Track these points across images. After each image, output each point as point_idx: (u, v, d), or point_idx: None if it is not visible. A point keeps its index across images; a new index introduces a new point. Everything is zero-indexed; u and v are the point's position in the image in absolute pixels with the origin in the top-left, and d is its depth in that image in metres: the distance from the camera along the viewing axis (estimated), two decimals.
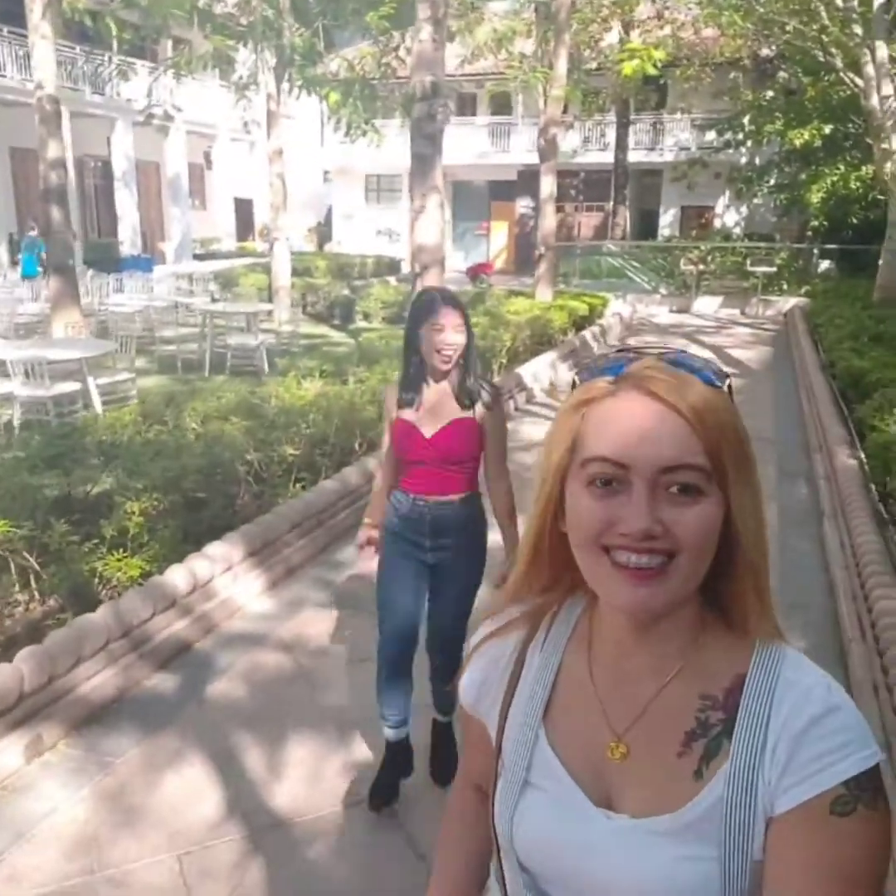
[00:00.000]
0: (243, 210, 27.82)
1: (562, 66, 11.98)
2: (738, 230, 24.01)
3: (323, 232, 30.29)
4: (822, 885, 0.70)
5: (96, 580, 3.73)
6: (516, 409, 8.34)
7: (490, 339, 8.98)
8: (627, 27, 18.59)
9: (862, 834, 0.71)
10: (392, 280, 19.27)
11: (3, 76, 17.67)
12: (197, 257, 23.91)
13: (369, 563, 2.77)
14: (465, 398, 2.48)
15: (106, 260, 20.16)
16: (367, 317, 14.92)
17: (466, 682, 0.94)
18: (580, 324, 12.82)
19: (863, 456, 5.58)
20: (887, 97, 11.30)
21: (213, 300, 14.30)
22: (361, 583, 4.32)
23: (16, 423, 7.07)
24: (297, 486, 5.07)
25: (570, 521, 0.78)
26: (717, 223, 24.75)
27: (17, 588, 3.74)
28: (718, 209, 24.85)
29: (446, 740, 2.81)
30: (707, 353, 12.56)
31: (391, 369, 6.72)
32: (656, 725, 0.80)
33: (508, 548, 2.60)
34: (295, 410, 5.56)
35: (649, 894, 0.76)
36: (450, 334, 2.39)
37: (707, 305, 18.36)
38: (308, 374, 6.71)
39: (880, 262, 11.86)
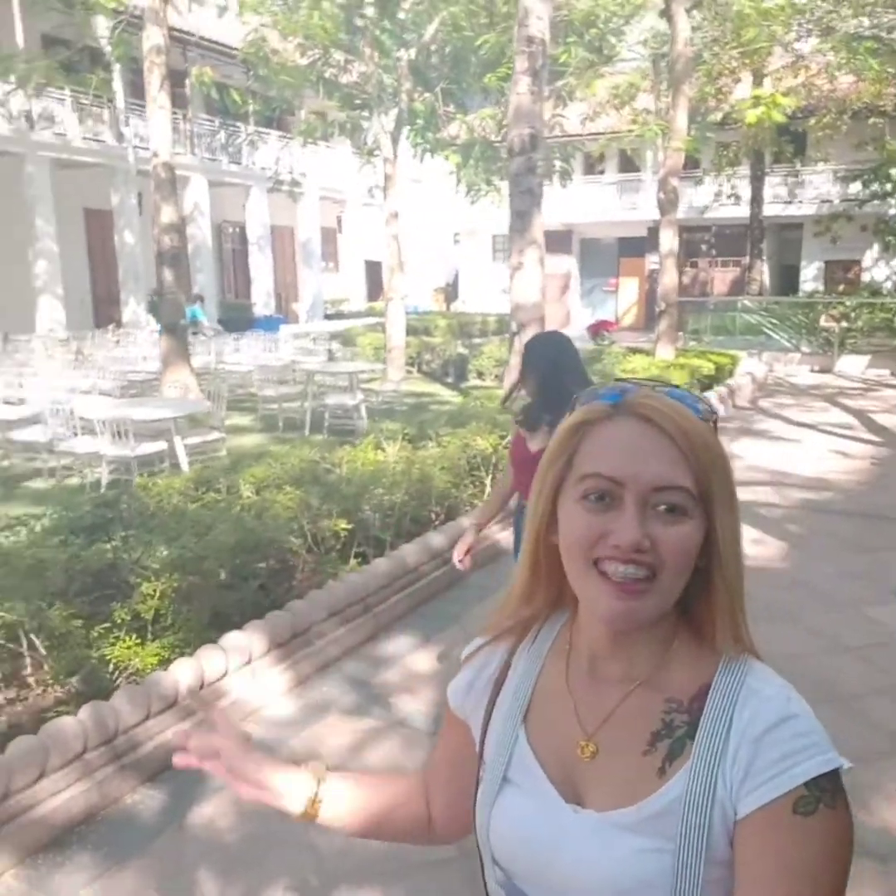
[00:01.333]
0: (373, 272, 28.49)
1: (681, 118, 11.42)
2: (889, 284, 22.38)
3: (450, 292, 30.62)
4: (788, 884, 0.74)
5: (111, 667, 3.41)
6: None
7: None
8: (759, 77, 17.79)
9: (825, 833, 0.75)
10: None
11: (98, 140, 17.95)
12: (327, 317, 24.55)
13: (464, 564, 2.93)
14: None
15: (239, 320, 20.99)
16: (480, 375, 14.60)
17: (454, 686, 0.99)
18: (706, 383, 11.95)
19: None
20: None
21: (331, 359, 14.39)
22: (406, 682, 3.79)
23: (104, 481, 7.06)
24: (354, 561, 4.64)
25: (562, 533, 0.84)
26: (866, 277, 23.22)
27: (28, 671, 3.46)
28: (866, 263, 23.33)
29: None
30: (846, 418, 11.48)
31: (477, 433, 6.26)
32: (624, 726, 0.85)
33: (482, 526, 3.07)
34: (365, 477, 5.17)
35: (612, 885, 0.80)
36: None
37: (852, 365, 16.94)
38: (392, 436, 6.34)
39: None
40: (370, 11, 13.61)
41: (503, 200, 14.55)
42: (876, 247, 21.99)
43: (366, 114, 15.83)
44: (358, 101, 17.05)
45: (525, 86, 7.53)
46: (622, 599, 0.79)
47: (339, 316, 24.74)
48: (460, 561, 2.93)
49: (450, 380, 14.71)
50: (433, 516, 5.49)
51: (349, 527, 4.51)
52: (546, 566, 0.89)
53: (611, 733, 0.85)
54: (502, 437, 6.33)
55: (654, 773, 0.81)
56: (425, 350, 15.73)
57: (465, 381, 14.47)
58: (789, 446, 9.18)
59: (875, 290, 21.87)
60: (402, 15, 14.71)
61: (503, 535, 5.55)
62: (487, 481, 6.18)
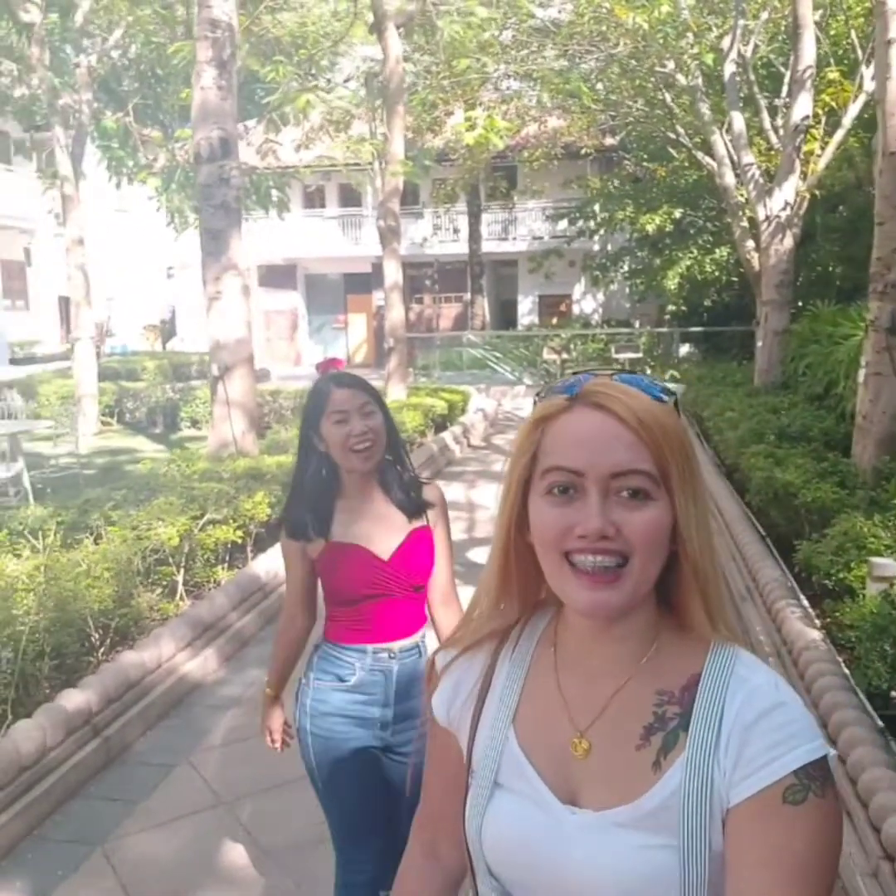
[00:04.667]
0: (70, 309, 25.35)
1: (397, 141, 10.69)
2: (596, 317, 23.68)
3: (166, 330, 28.12)
4: (779, 872, 0.73)
5: None
6: None
7: None
8: (471, 109, 17.88)
9: (814, 821, 0.74)
10: None
11: None
12: (14, 362, 21.18)
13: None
14: (409, 501, 1.99)
15: None
16: (194, 423, 12.82)
17: (437, 699, 0.96)
18: (439, 422, 11.22)
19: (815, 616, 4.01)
20: (749, 165, 10.54)
21: (8, 416, 11.85)
22: None
23: None
24: None
25: (533, 529, 0.84)
26: (576, 310, 24.41)
27: None
28: (576, 296, 24.54)
29: None
30: None
31: (163, 513, 4.73)
32: (616, 721, 0.84)
33: None
34: None
35: (615, 885, 0.79)
36: (358, 421, 1.88)
37: None
38: (41, 528, 4.62)
39: (759, 344, 10.92)
40: (35, 10, 11.51)
41: None
42: (584, 281, 23.08)
43: (49, 134, 13.55)
44: (39, 118, 14.78)
45: (211, 78, 6.21)
46: (594, 590, 0.79)
47: (31, 360, 21.48)
48: (274, 743, 2.17)
49: (158, 430, 12.79)
50: (95, 643, 3.90)
51: None
52: (520, 566, 0.88)
53: (603, 729, 0.85)
54: (196, 518, 4.87)
55: (649, 768, 0.81)
56: (126, 397, 13.63)
57: (177, 431, 12.64)
58: None
59: (586, 321, 23.06)
60: (79, 17, 12.72)
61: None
62: (179, 578, 4.68)
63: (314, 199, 26.18)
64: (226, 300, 6.33)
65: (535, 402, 0.87)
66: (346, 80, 16.82)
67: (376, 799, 1.94)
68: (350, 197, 25.23)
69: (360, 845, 1.91)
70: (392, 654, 1.96)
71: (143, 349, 24.54)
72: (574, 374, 0.86)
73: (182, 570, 4.68)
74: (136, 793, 3.29)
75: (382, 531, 1.97)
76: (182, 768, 3.45)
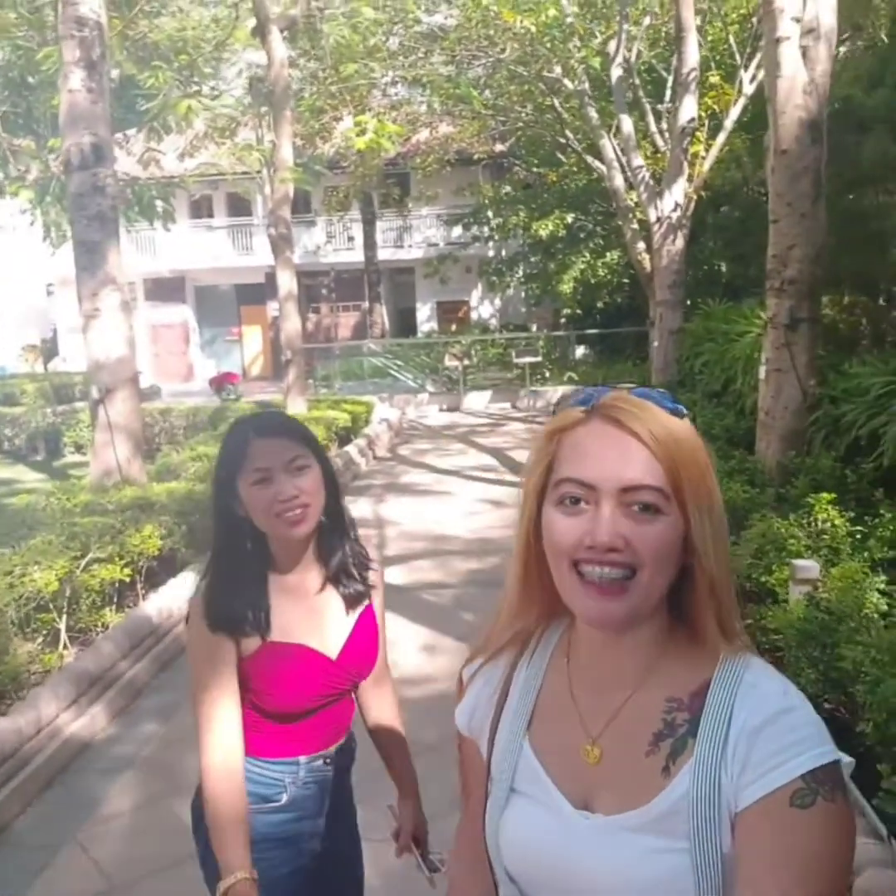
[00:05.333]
0: None
1: (286, 147, 10.32)
2: (494, 321, 23.78)
3: (47, 350, 26.66)
4: (787, 876, 0.72)
5: None
6: None
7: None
8: (361, 115, 17.64)
9: (823, 826, 0.73)
10: None
11: None
12: None
13: None
14: (354, 580, 1.60)
15: None
16: (79, 448, 12.05)
17: (460, 709, 1.00)
18: (343, 435, 10.88)
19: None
20: (639, 168, 10.66)
21: None
22: None
23: None
24: None
25: (545, 538, 0.86)
26: (474, 315, 24.46)
27: None
28: (473, 302, 24.60)
29: None
30: (486, 459, 11.20)
31: (40, 554, 4.27)
32: (627, 728, 0.85)
33: (407, 781, 1.71)
34: None
35: (628, 887, 0.79)
36: (286, 480, 1.47)
37: (477, 401, 17.24)
38: None
39: (655, 344, 11.06)
40: None
41: None
42: (480, 286, 23.15)
43: None
44: None
45: (79, 80, 5.73)
46: (600, 600, 0.80)
47: None
48: None
49: (39, 458, 11.98)
50: None
51: None
52: (539, 575, 0.89)
53: (615, 736, 0.86)
54: (77, 558, 4.42)
55: (658, 773, 0.81)
56: (4, 423, 12.72)
57: (60, 457, 11.87)
58: (440, 501, 8.35)
59: (484, 327, 23.10)
60: None
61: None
62: (62, 625, 4.23)
63: (201, 209, 25.44)
64: (104, 317, 5.85)
65: (553, 413, 0.89)
66: (231, 87, 16.30)
67: None
68: (239, 206, 24.58)
69: None
70: (328, 760, 1.62)
71: (22, 371, 23.18)
72: (592, 386, 0.88)
73: (64, 616, 4.23)
74: (16, 883, 2.87)
75: (327, 621, 1.59)
76: (69, 849, 3.04)
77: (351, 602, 1.61)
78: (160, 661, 4.48)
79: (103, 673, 4.04)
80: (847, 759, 0.77)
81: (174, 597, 4.81)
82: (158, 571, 5.12)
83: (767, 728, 0.77)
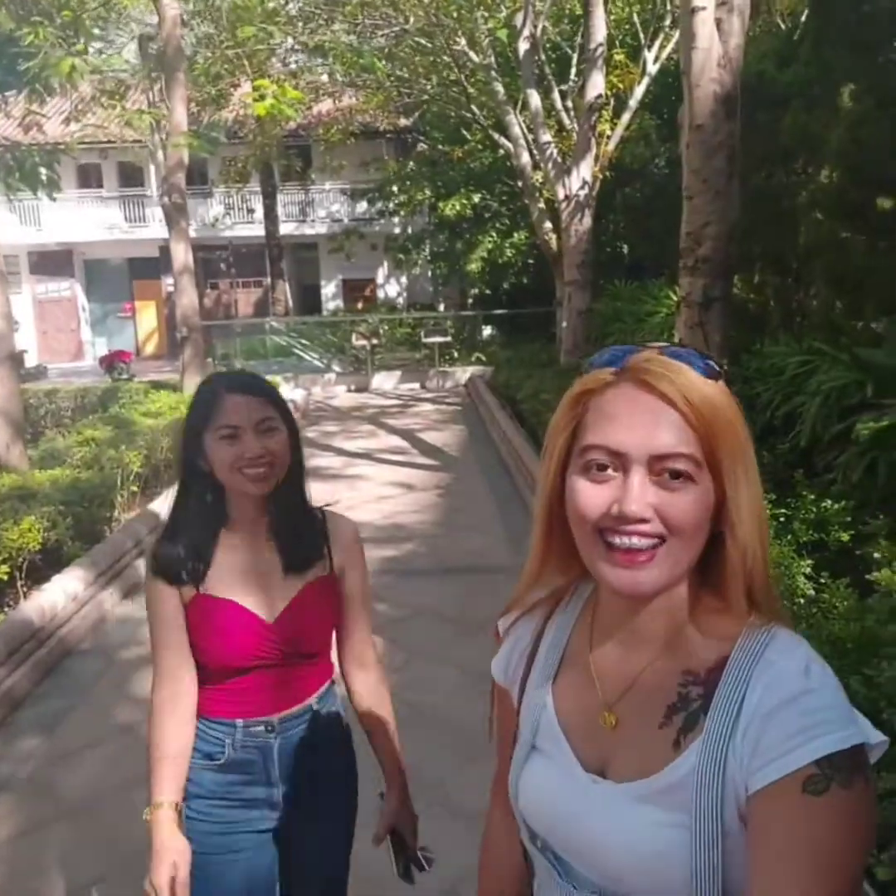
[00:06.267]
0: None
1: (179, 110, 9.73)
2: (401, 300, 23.46)
3: None
4: (798, 864, 0.70)
5: None
6: None
7: (109, 462, 6.26)
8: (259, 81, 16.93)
9: (836, 813, 0.71)
10: None
11: None
12: None
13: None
14: (301, 547, 1.60)
15: None
16: None
17: (497, 660, 1.01)
18: None
19: None
20: (547, 144, 10.54)
21: None
22: None
23: None
24: None
25: (569, 505, 0.82)
26: (381, 294, 24.08)
27: None
28: (380, 280, 24.20)
29: None
30: (396, 441, 10.95)
31: None
32: (643, 698, 0.84)
33: (389, 769, 1.69)
34: None
35: (629, 853, 0.79)
36: (253, 440, 1.49)
37: (385, 381, 16.96)
38: None
39: (563, 324, 11.02)
40: None
41: None
42: (387, 264, 22.76)
43: None
44: None
45: None
46: (628, 568, 0.78)
47: None
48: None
49: None
50: None
51: None
52: (562, 538, 0.87)
53: (631, 704, 0.85)
54: None
55: (669, 746, 0.80)
56: None
57: None
58: (350, 487, 8.07)
59: (392, 306, 22.75)
60: None
61: None
62: None
63: (90, 179, 24.11)
64: None
65: (580, 374, 0.85)
66: (119, 47, 15.38)
67: (266, 891, 1.65)
68: (131, 176, 23.41)
69: None
70: (271, 727, 1.59)
71: None
72: (622, 345, 0.83)
73: None
74: None
75: (270, 583, 1.60)
76: None
77: (298, 568, 1.60)
78: (43, 667, 4.07)
79: None
80: (878, 739, 0.74)
81: (59, 594, 4.40)
82: (41, 567, 4.69)
83: (781, 711, 0.74)
